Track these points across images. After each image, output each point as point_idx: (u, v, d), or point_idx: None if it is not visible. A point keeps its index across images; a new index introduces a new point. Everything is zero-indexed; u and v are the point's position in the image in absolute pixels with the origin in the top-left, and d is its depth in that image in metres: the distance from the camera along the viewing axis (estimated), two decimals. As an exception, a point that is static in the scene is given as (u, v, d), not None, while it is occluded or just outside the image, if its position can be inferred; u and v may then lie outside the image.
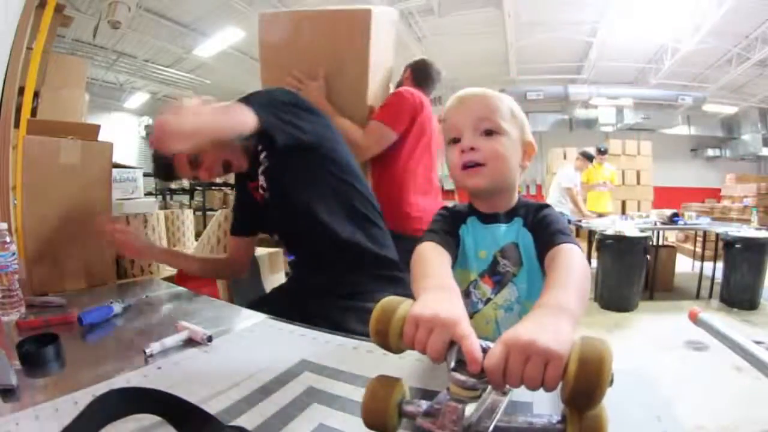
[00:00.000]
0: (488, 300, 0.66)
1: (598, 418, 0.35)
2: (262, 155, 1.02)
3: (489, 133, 0.63)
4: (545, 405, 0.48)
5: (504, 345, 0.36)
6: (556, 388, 0.35)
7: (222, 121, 0.85)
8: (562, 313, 0.41)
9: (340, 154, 1.05)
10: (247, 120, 0.86)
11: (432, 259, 0.58)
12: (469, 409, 0.38)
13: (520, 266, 0.64)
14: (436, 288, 0.49)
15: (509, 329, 0.38)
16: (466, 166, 0.64)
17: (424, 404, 0.39)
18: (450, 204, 0.75)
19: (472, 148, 0.63)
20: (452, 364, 0.39)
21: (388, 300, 0.45)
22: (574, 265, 0.52)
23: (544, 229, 0.61)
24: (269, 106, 0.91)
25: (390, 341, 0.42)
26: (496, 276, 0.65)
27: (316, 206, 0.99)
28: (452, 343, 0.39)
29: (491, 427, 0.36)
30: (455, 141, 0.65)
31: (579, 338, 0.36)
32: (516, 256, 0.64)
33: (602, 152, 4.77)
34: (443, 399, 0.38)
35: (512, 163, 0.65)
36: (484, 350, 0.38)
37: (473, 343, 0.38)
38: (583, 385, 0.33)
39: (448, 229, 0.67)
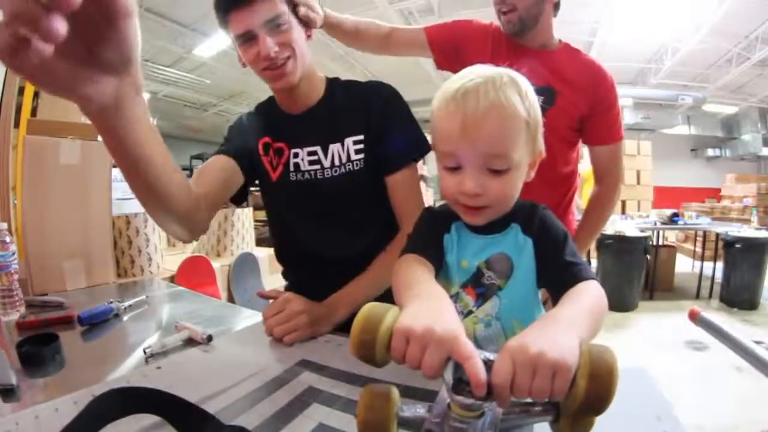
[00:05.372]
0: (469, 312, 0.59)
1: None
2: (357, 139, 0.88)
3: (498, 171, 0.51)
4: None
5: (510, 358, 0.34)
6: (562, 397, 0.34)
7: None
8: (567, 325, 0.38)
9: None
10: None
11: (417, 269, 0.53)
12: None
13: (508, 278, 0.57)
14: (425, 295, 0.44)
15: (512, 339, 0.36)
16: (467, 206, 0.54)
17: (421, 409, 0.39)
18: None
19: (477, 194, 0.52)
20: (451, 382, 0.35)
21: (372, 308, 0.39)
22: (589, 292, 0.47)
23: (551, 252, 0.54)
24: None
25: (376, 355, 0.38)
26: (480, 288, 0.58)
27: (364, 228, 0.91)
28: (449, 358, 0.36)
29: None
30: (453, 169, 0.53)
31: (586, 348, 0.35)
32: (505, 268, 0.57)
33: None
34: (441, 411, 0.36)
35: (518, 191, 0.55)
36: (486, 363, 0.35)
37: (477, 365, 0.34)
38: (593, 401, 0.32)
39: (431, 237, 0.59)
